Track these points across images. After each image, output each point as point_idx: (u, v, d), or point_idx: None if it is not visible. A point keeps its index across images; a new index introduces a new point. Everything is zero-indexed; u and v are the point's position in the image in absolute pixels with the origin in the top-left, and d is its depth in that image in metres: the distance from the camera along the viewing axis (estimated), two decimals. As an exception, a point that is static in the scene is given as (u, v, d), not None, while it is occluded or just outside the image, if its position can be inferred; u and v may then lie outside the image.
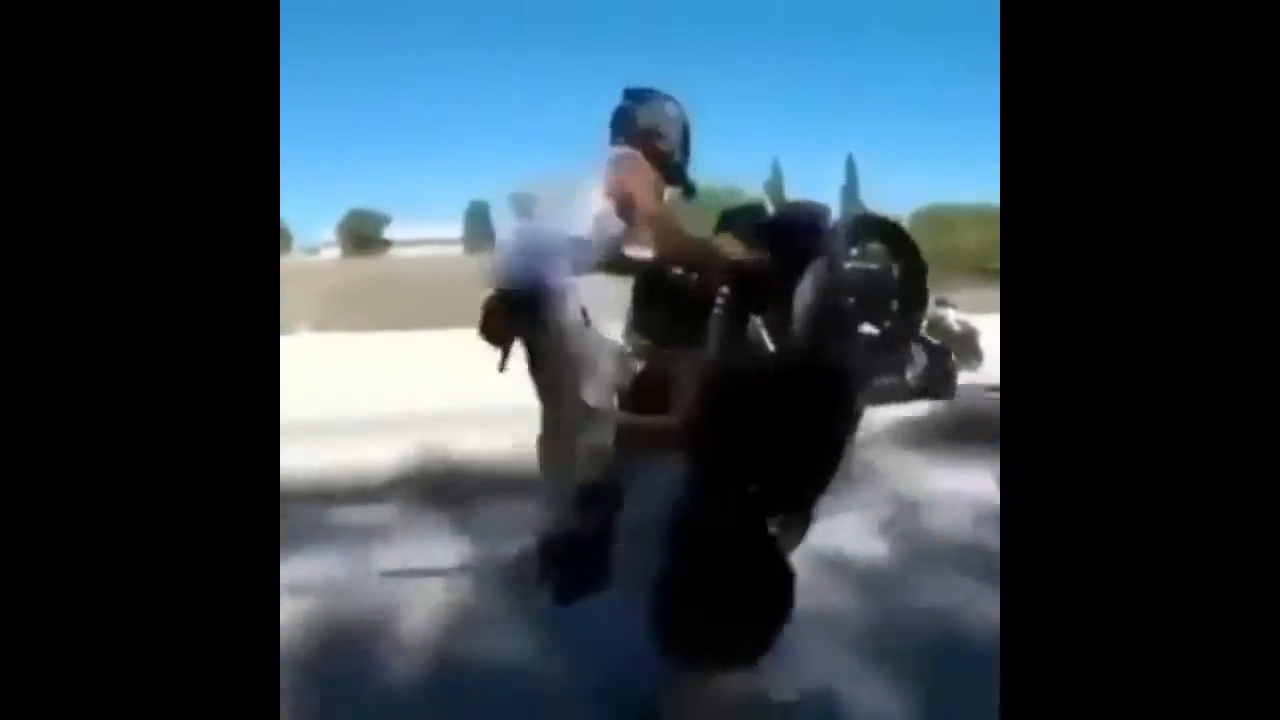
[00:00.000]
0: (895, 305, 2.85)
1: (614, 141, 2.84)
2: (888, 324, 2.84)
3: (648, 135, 2.80)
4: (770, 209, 2.82)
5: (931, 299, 11.26)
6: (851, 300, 2.73)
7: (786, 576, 2.59)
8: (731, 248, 2.68)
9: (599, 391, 2.78)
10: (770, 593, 2.59)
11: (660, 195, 2.78)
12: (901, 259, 2.81)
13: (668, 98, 2.88)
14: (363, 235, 43.26)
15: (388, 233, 44.76)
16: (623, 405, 2.74)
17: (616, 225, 2.74)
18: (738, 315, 2.67)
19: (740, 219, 2.77)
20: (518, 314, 2.71)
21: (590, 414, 2.75)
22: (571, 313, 2.72)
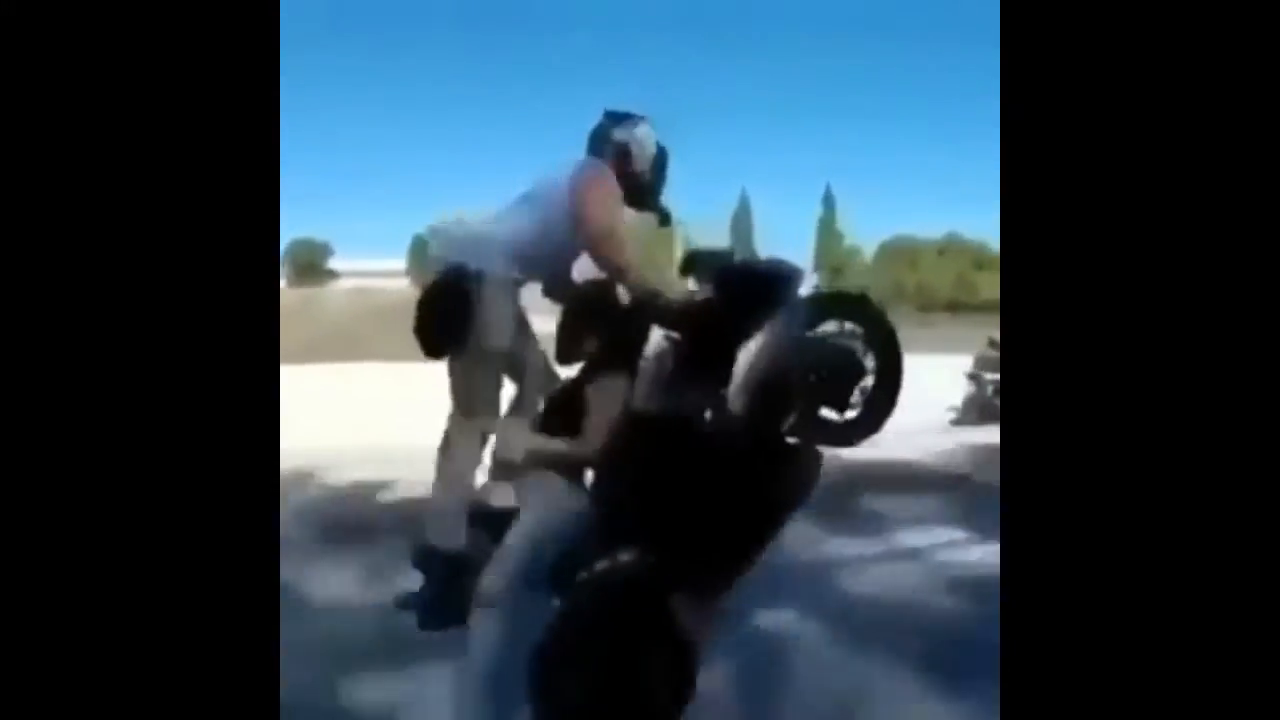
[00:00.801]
0: (866, 388, 2.72)
1: (590, 159, 2.81)
2: (854, 410, 2.70)
3: (619, 154, 2.79)
4: (738, 257, 2.76)
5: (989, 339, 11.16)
6: (812, 377, 2.62)
7: (683, 661, 2.43)
8: (681, 287, 2.67)
9: (520, 402, 2.80)
10: (661, 676, 2.42)
11: (620, 212, 2.74)
12: (873, 340, 2.71)
13: (644, 120, 2.87)
14: (306, 264, 43.06)
15: (332, 263, 44.61)
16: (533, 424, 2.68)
17: (569, 239, 2.71)
18: (679, 361, 2.60)
19: (705, 262, 2.72)
20: (449, 295, 2.64)
21: (504, 424, 2.71)
22: (506, 305, 2.69)
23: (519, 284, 2.72)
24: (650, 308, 2.63)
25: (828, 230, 38.76)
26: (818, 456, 2.58)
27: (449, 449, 2.76)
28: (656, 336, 2.62)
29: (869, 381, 2.69)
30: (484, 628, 2.39)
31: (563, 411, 2.57)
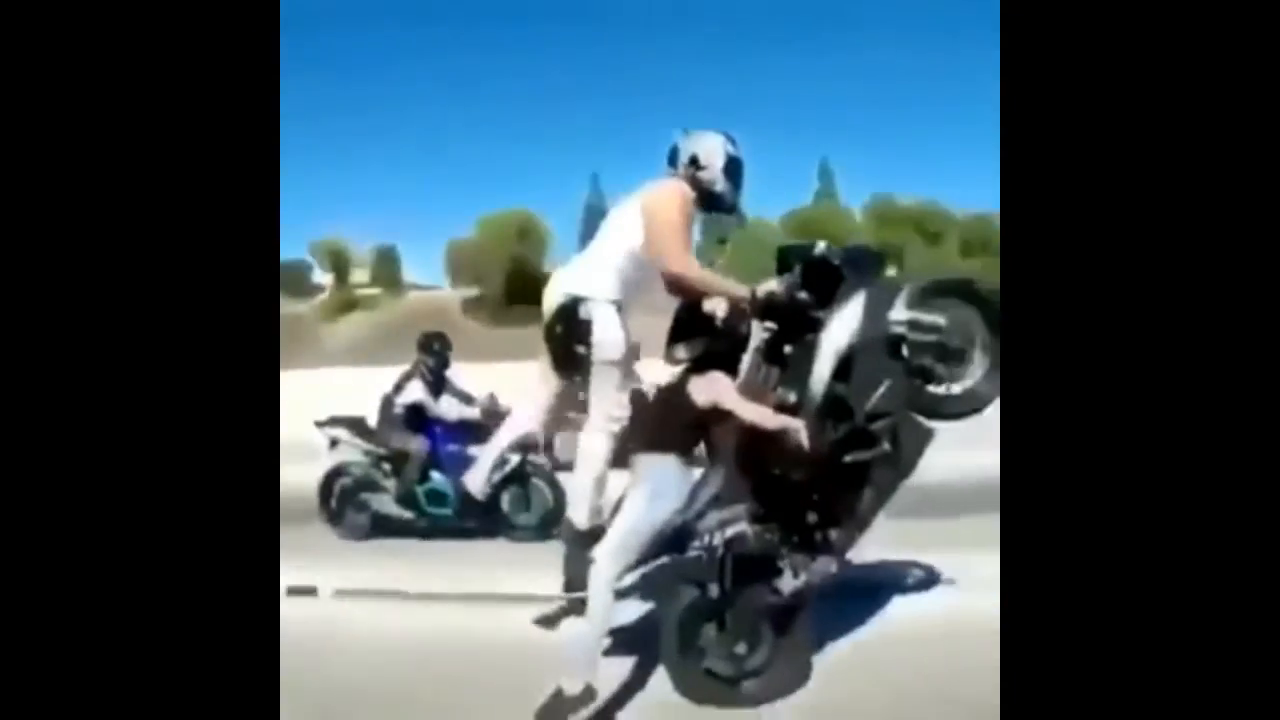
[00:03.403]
0: (977, 361, 3.11)
1: (667, 171, 3.36)
2: (958, 385, 3.11)
3: (690, 163, 3.32)
4: (820, 248, 3.15)
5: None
6: (905, 352, 3.01)
7: (791, 615, 2.97)
8: (738, 285, 3.10)
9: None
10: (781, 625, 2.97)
11: (690, 219, 3.25)
12: (983, 312, 3.09)
13: (718, 133, 3.37)
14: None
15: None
16: (636, 417, 3.16)
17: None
18: (773, 347, 3.08)
19: (795, 256, 3.16)
20: (569, 322, 3.23)
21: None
22: (615, 324, 3.25)
23: (621, 305, 3.28)
24: (742, 305, 3.07)
25: (828, 198, 38.21)
26: (921, 429, 3.05)
27: (583, 450, 3.34)
28: (758, 330, 3.10)
29: (976, 358, 3.10)
30: (600, 590, 2.84)
31: (667, 407, 3.03)
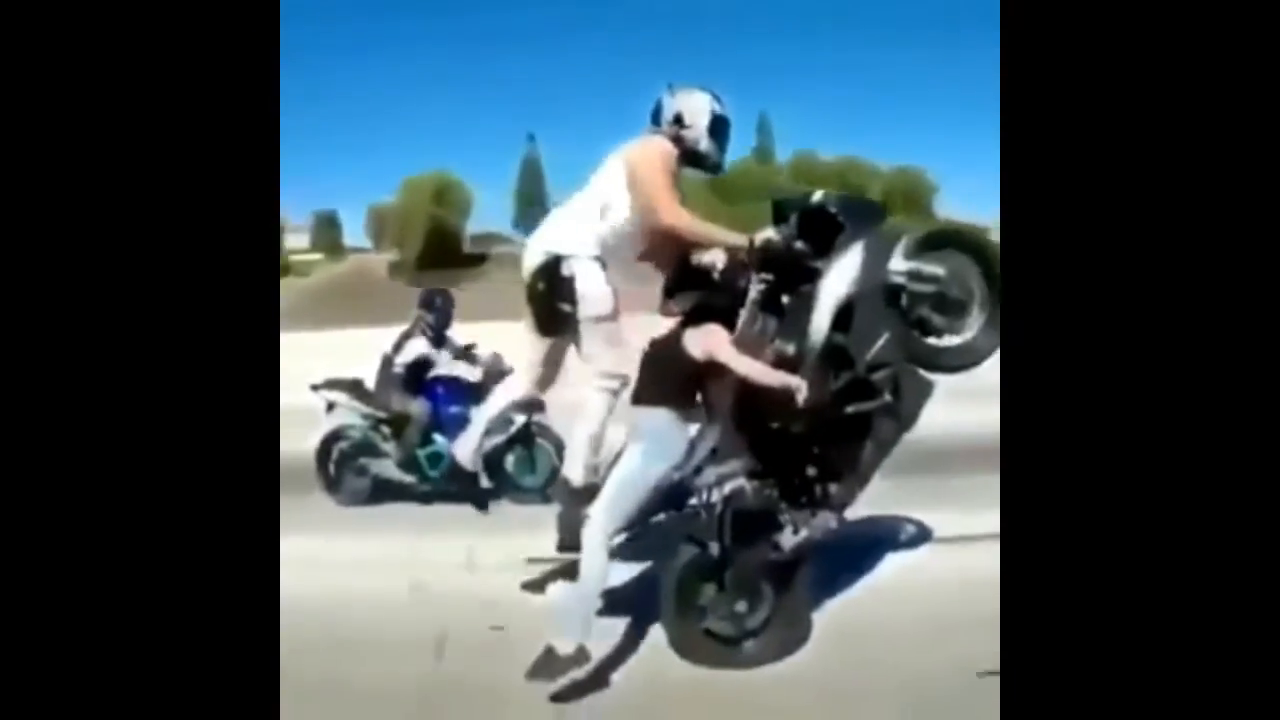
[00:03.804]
0: (975, 315, 3.07)
1: (650, 128, 3.29)
2: (957, 337, 3.08)
3: (674, 120, 3.25)
4: (818, 197, 3.06)
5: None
6: (904, 302, 2.98)
7: (792, 569, 2.95)
8: (735, 234, 3.05)
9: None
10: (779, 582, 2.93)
11: (676, 175, 3.18)
12: (982, 264, 3.04)
13: (704, 91, 3.28)
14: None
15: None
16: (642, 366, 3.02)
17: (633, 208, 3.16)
18: (769, 297, 2.98)
19: (791, 206, 3.08)
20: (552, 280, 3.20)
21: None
22: (599, 280, 3.22)
23: (603, 261, 3.22)
24: (740, 255, 3.02)
25: (765, 157, 38.45)
26: (923, 381, 3.01)
27: (580, 407, 3.29)
28: (755, 282, 3.01)
29: (975, 312, 3.06)
30: (595, 548, 2.79)
31: (662, 360, 2.93)
